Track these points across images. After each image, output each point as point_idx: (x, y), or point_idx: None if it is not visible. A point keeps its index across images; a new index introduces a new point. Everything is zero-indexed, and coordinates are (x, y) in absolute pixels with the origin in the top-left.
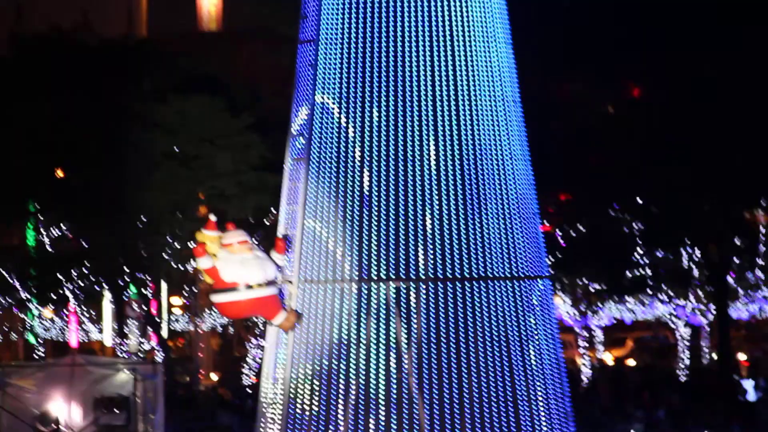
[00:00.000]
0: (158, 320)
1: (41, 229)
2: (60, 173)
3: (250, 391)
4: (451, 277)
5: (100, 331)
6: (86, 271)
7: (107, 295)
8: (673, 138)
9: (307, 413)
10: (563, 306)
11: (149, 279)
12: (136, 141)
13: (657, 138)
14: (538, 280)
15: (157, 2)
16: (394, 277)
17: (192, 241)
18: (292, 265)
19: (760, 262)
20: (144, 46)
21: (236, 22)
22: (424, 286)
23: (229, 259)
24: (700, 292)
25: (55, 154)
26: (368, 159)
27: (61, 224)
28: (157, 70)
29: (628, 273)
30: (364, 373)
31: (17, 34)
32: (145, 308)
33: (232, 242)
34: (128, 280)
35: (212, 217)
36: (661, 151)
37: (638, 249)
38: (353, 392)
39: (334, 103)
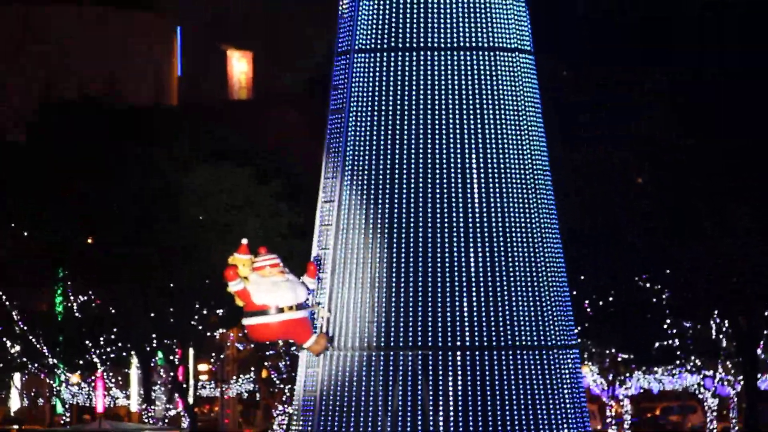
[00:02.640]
0: (185, 386)
1: (70, 296)
2: (90, 240)
3: None
4: (479, 345)
5: (127, 396)
6: (114, 338)
7: (134, 361)
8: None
9: None
10: (590, 375)
11: (176, 345)
12: (166, 208)
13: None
14: (567, 349)
15: (188, 70)
16: (421, 345)
17: (220, 309)
18: (324, 282)
19: None
20: (173, 114)
21: (266, 90)
22: (452, 355)
23: (261, 282)
24: (728, 363)
25: (84, 222)
26: (396, 227)
27: (89, 291)
28: (187, 138)
29: (656, 343)
30: None
31: (48, 101)
32: (172, 374)
33: (264, 265)
34: (155, 346)
35: (244, 241)
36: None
37: (667, 319)
38: None
39: (363, 172)
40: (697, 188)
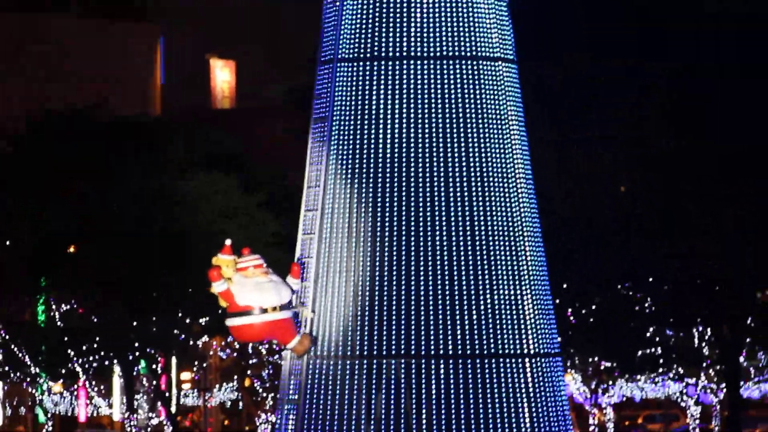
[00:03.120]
0: (167, 395)
1: (52, 305)
2: (72, 249)
3: None
4: (461, 354)
5: (110, 405)
6: (96, 346)
7: (117, 370)
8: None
9: None
10: (573, 383)
11: (159, 354)
12: (149, 216)
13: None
14: (549, 357)
15: (171, 81)
16: (404, 353)
17: (203, 318)
18: (306, 290)
19: None
20: (159, 125)
21: (248, 99)
22: (434, 363)
23: (244, 283)
24: (711, 371)
25: (67, 230)
26: (379, 236)
27: (72, 300)
28: (172, 147)
29: (639, 351)
30: None
31: (34, 113)
32: (155, 383)
33: (248, 266)
34: (138, 354)
35: (228, 242)
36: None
37: (650, 327)
38: None
39: (346, 181)
40: (687, 191)
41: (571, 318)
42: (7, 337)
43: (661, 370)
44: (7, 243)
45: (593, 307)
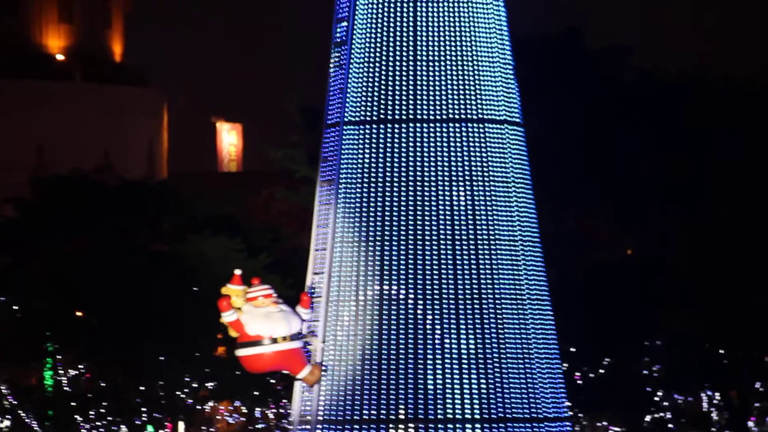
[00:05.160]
0: None
1: (59, 369)
2: (79, 313)
3: None
4: (470, 418)
5: None
6: (103, 411)
7: None
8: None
9: None
10: None
11: (166, 419)
12: (155, 281)
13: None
14: (558, 421)
15: (178, 144)
16: (412, 418)
17: (210, 383)
18: (317, 320)
19: None
20: (163, 187)
21: (255, 163)
22: (443, 428)
23: (254, 313)
24: None
25: (74, 295)
26: (387, 300)
27: (79, 365)
28: (176, 211)
29: (648, 416)
30: None
31: (39, 177)
32: None
33: (257, 296)
34: (145, 419)
35: (237, 271)
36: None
37: (658, 392)
38: None
39: (353, 244)
40: (686, 263)
41: (579, 382)
42: (15, 402)
43: None
44: (15, 307)
45: (601, 371)
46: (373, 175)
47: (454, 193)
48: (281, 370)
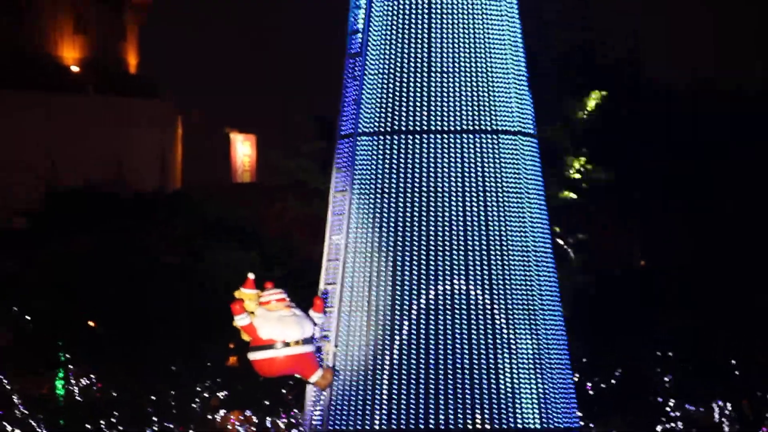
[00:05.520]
0: None
1: (71, 379)
2: (91, 323)
3: None
4: (481, 429)
5: None
6: (114, 421)
7: None
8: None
9: None
10: None
11: (178, 429)
12: (167, 292)
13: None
14: None
15: (192, 155)
16: (423, 429)
17: (221, 392)
18: (330, 324)
19: None
20: (176, 199)
21: (269, 174)
22: None
23: (267, 317)
24: None
25: (85, 304)
26: (399, 310)
27: (90, 374)
28: (189, 223)
29: (659, 426)
30: None
31: (51, 190)
32: None
33: (270, 299)
34: (156, 429)
35: (251, 275)
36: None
37: (669, 402)
38: None
39: (366, 255)
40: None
41: (590, 392)
42: (26, 412)
43: None
44: (27, 317)
45: (612, 381)
46: (386, 185)
47: (467, 203)
48: (293, 374)
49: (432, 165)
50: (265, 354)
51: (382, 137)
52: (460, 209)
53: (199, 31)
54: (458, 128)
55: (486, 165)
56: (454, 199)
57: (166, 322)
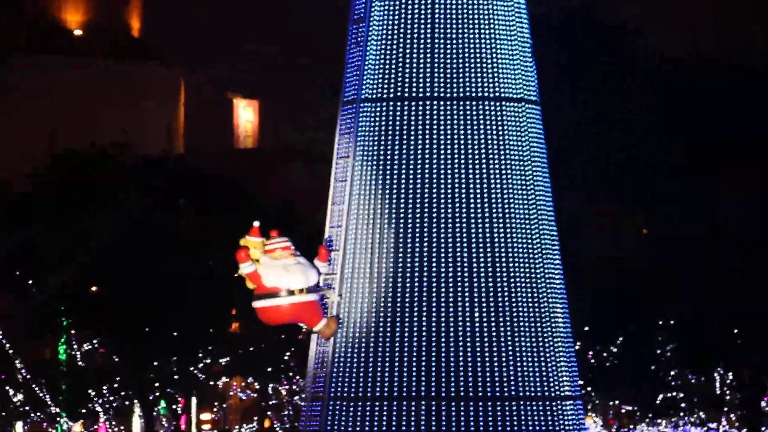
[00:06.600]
0: None
1: (73, 344)
2: (93, 289)
3: None
4: (482, 396)
5: None
6: (116, 386)
7: (137, 410)
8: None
9: None
10: (594, 427)
11: (179, 394)
12: (169, 259)
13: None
14: (571, 400)
15: (195, 120)
16: (424, 395)
17: (223, 359)
18: (334, 273)
19: None
20: (179, 166)
21: (272, 140)
22: (455, 405)
23: (272, 265)
24: (732, 416)
25: (88, 271)
26: (401, 277)
27: (93, 339)
28: (192, 189)
29: (660, 395)
30: None
31: (57, 154)
32: (175, 423)
33: (276, 248)
34: (158, 395)
35: (256, 223)
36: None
37: (671, 371)
38: None
39: (368, 220)
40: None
41: (592, 361)
42: (28, 376)
43: (682, 414)
44: (30, 282)
45: (614, 349)
46: (389, 151)
47: (470, 170)
48: (297, 322)
49: (435, 132)
50: (270, 302)
51: (384, 103)
52: (463, 175)
53: (209, 9)
54: (461, 95)
55: (489, 131)
56: (456, 165)
57: (171, 289)
